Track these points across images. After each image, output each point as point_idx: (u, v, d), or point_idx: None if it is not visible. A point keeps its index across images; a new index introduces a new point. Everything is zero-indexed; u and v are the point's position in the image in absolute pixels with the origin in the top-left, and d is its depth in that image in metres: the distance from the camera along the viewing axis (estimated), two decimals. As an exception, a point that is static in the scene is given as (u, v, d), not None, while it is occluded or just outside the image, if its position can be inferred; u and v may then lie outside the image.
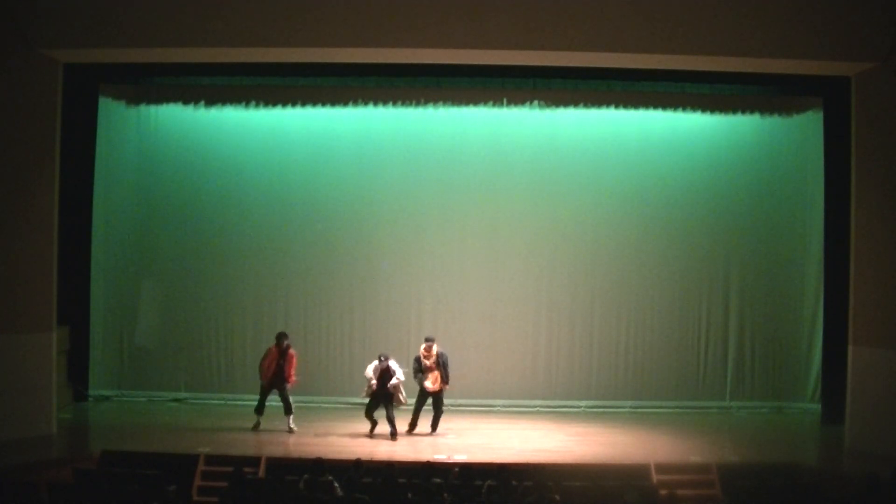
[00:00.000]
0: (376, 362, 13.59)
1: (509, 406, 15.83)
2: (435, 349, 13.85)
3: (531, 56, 13.55)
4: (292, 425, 13.78)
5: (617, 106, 16.20)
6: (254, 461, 12.03)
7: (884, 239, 13.21)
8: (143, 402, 15.96)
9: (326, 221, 16.12)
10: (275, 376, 13.91)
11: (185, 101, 16.29)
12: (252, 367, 15.77)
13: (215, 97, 16.25)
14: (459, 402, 15.25)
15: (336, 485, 10.15)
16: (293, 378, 13.96)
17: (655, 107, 16.19)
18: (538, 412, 15.70)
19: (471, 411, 15.09)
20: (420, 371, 13.84)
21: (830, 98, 15.41)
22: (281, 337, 14.14)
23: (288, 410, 13.85)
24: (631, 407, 15.98)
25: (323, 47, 13.41)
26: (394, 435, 13.45)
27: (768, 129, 16.26)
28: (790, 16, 12.99)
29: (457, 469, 11.14)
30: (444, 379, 13.81)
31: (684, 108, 16.23)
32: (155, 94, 16.32)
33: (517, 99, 16.18)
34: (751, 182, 16.19)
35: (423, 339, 14.51)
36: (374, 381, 13.47)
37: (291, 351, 14.06)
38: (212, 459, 12.10)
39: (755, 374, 16.20)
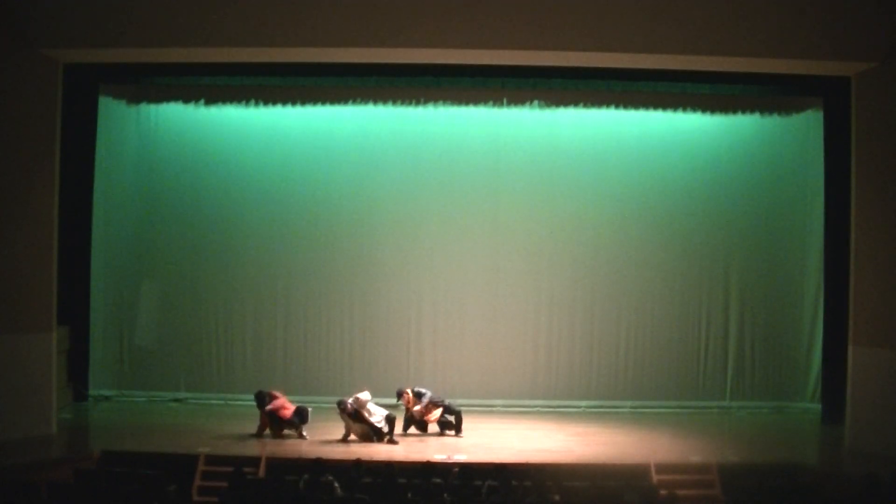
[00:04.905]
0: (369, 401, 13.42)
1: (509, 406, 15.83)
2: (411, 393, 13.81)
3: (531, 56, 13.55)
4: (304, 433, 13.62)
5: (617, 106, 16.20)
6: (254, 461, 12.02)
7: (884, 239, 13.21)
8: (143, 402, 15.96)
9: (326, 221, 16.13)
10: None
11: (185, 101, 16.29)
12: (252, 366, 15.93)
13: (215, 97, 16.24)
14: (459, 402, 15.21)
15: (336, 485, 10.15)
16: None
17: (655, 107, 16.19)
18: (538, 412, 15.70)
19: (471, 411, 15.04)
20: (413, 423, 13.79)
21: (830, 98, 15.41)
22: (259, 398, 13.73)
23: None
24: (631, 407, 15.99)
25: (323, 47, 13.41)
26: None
27: (768, 129, 16.26)
28: (790, 16, 12.99)
29: (457, 469, 11.12)
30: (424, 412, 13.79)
31: (684, 108, 16.23)
32: (155, 94, 16.32)
33: (517, 99, 16.18)
34: (751, 182, 16.19)
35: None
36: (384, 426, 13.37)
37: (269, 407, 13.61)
38: (212, 459, 12.09)
39: (755, 374, 16.20)
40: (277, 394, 13.75)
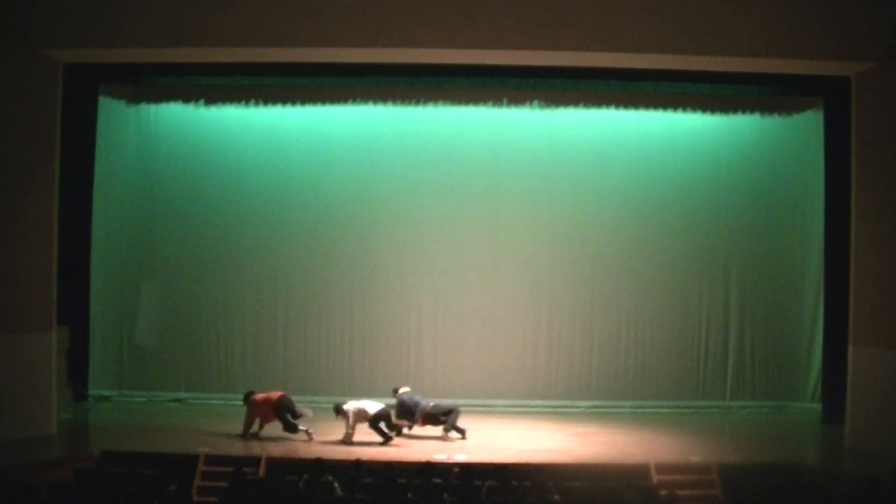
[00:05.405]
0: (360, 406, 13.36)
1: (509, 406, 15.83)
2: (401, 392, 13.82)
3: (531, 56, 13.56)
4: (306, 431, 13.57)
5: (617, 106, 16.20)
6: (254, 461, 12.03)
7: (884, 239, 13.21)
8: (143, 402, 15.97)
9: (326, 221, 16.14)
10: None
11: (185, 101, 16.29)
12: (252, 367, 15.92)
13: (215, 97, 16.25)
14: (460, 401, 15.21)
15: (336, 485, 10.15)
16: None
17: (655, 107, 16.20)
18: (538, 412, 15.70)
19: (471, 411, 15.05)
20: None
21: (830, 98, 15.42)
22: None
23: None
24: (631, 407, 15.99)
25: (323, 47, 13.41)
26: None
27: (768, 129, 16.27)
28: (790, 16, 13.00)
29: (457, 469, 11.12)
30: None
31: (684, 108, 16.24)
32: (155, 94, 16.32)
33: (517, 99, 16.19)
34: (751, 182, 16.21)
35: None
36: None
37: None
38: (212, 459, 12.09)
39: (755, 374, 16.21)
40: (257, 397, 13.65)
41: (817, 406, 15.78)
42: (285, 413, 13.46)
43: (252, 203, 16.16)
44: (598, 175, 16.15)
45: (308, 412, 13.55)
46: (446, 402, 14.03)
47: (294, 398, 13.93)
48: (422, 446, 13.14)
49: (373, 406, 13.35)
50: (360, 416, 13.26)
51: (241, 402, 14.08)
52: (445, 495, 9.90)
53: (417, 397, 13.78)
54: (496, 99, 16.21)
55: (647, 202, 16.15)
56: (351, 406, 13.33)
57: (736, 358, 16.21)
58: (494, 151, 16.13)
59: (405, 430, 13.58)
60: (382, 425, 13.28)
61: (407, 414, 13.60)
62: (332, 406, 13.64)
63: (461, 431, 13.67)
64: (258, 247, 16.16)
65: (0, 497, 9.67)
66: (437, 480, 10.45)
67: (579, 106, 16.25)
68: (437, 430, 13.66)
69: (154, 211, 16.25)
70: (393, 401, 13.81)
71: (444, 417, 13.65)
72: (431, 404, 13.72)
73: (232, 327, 16.18)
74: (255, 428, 13.58)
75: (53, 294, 13.58)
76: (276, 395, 13.62)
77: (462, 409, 14.08)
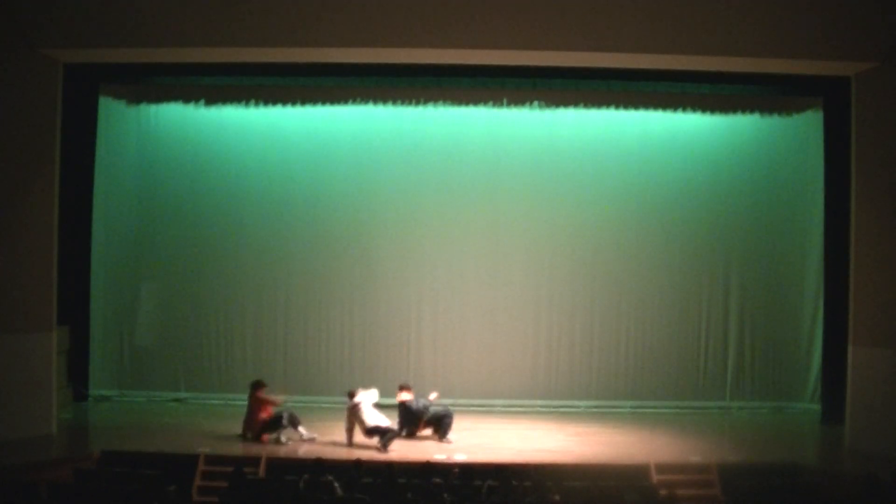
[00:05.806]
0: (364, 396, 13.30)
1: (509, 406, 15.84)
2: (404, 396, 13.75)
3: (531, 56, 13.56)
4: (304, 433, 13.49)
5: (617, 106, 16.22)
6: (254, 461, 12.03)
7: (884, 239, 13.21)
8: (143, 402, 15.97)
9: (326, 221, 16.15)
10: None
11: (186, 101, 16.32)
12: (252, 366, 15.86)
13: (215, 97, 16.27)
14: (460, 401, 15.24)
15: (336, 485, 10.15)
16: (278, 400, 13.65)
17: (655, 107, 16.21)
18: (538, 412, 15.70)
19: (471, 411, 15.08)
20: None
21: (830, 98, 15.42)
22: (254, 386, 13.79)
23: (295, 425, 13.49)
24: (631, 407, 15.99)
25: (323, 47, 13.41)
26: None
27: (768, 129, 16.28)
28: (790, 16, 12.99)
29: (457, 469, 11.15)
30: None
31: (684, 108, 16.25)
32: (155, 94, 16.33)
33: (517, 99, 16.20)
34: (751, 182, 16.21)
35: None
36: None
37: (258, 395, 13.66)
38: (212, 459, 12.10)
39: (755, 374, 16.22)
40: (262, 394, 13.66)
41: (817, 406, 15.79)
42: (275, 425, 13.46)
43: (252, 203, 16.18)
44: (598, 175, 16.15)
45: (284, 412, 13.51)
46: (440, 408, 13.81)
47: (294, 398, 14.03)
48: (422, 446, 13.14)
49: (377, 419, 13.21)
50: (356, 416, 13.16)
51: (240, 403, 14.08)
52: (445, 495, 9.91)
53: (416, 404, 13.68)
54: (496, 99, 16.22)
55: (647, 202, 16.15)
56: (358, 398, 13.25)
57: (736, 358, 16.21)
58: (494, 151, 16.14)
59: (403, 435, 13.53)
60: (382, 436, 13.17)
61: (408, 421, 13.56)
62: (331, 406, 13.67)
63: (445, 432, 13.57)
64: (258, 247, 16.17)
65: (0, 497, 9.68)
66: (437, 480, 10.45)
67: (579, 106, 16.26)
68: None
69: (154, 211, 16.26)
70: (393, 401, 13.81)
71: (437, 423, 13.59)
72: (428, 415, 13.63)
73: (232, 327, 16.19)
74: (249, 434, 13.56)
75: (53, 294, 13.59)
76: (265, 415, 13.51)
77: (462, 409, 14.04)
